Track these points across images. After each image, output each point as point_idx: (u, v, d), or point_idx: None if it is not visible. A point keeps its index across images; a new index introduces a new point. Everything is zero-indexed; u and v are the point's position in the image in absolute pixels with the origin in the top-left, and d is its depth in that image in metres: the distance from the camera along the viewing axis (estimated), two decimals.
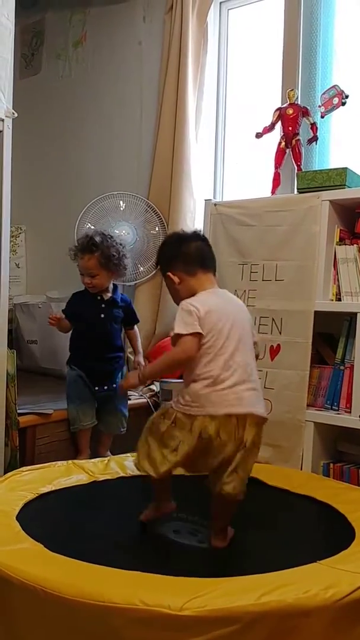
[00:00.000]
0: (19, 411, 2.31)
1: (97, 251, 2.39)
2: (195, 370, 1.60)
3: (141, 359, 2.61)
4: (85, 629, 1.23)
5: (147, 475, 1.65)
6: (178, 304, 1.69)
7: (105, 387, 2.48)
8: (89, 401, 2.47)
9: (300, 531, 1.75)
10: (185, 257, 1.71)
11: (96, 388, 2.47)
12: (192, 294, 1.68)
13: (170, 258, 1.74)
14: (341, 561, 1.43)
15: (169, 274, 1.72)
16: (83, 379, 2.46)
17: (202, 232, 1.88)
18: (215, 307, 1.63)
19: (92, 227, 3.04)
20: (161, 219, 3.10)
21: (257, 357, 1.73)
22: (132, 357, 2.84)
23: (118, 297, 2.53)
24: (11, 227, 3.24)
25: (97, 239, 2.41)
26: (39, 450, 2.37)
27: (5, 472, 2.19)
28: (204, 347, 1.59)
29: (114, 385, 2.49)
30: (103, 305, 2.48)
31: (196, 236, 1.78)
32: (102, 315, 2.47)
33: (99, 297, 2.48)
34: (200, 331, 1.58)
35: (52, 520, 1.74)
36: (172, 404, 1.65)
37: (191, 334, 1.58)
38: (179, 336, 1.59)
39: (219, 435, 1.55)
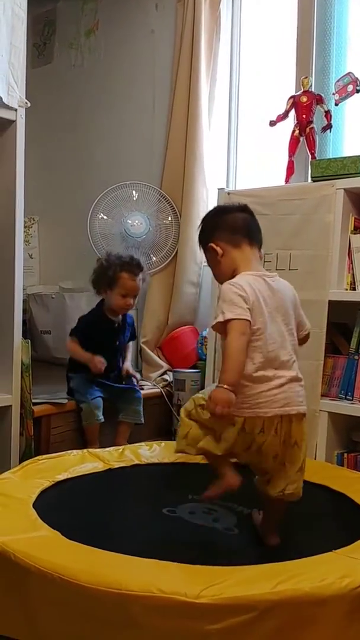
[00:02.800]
0: (33, 401, 2.32)
1: (141, 274, 2.41)
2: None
3: (130, 368, 2.62)
4: (103, 616, 1.23)
5: (207, 454, 1.53)
6: (219, 281, 1.58)
7: (113, 375, 2.51)
8: (99, 395, 2.43)
9: (316, 520, 1.75)
10: (230, 226, 1.59)
11: (104, 381, 2.48)
12: (235, 269, 1.55)
13: (214, 227, 1.61)
14: (357, 550, 1.43)
15: (212, 244, 1.59)
16: (90, 379, 2.45)
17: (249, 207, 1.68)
18: (262, 294, 1.49)
19: (105, 217, 3.04)
20: (174, 208, 3.10)
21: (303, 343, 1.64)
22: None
23: (128, 317, 2.53)
24: (24, 217, 3.26)
25: (141, 260, 2.43)
26: (53, 439, 2.38)
27: (21, 460, 2.20)
28: (250, 341, 1.45)
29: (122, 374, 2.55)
30: (118, 332, 2.49)
31: (243, 208, 1.65)
32: (117, 343, 2.50)
33: (115, 324, 2.48)
34: (250, 318, 1.44)
35: (68, 508, 1.74)
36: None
37: (244, 320, 1.43)
38: (227, 322, 1.43)
39: (264, 432, 1.45)
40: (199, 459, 1.69)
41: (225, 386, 1.39)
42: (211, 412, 1.41)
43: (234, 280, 1.50)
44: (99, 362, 2.38)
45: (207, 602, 1.17)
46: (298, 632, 1.21)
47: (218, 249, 1.58)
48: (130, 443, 2.39)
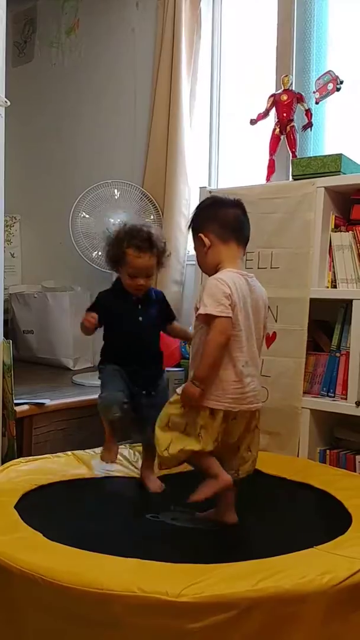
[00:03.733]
0: (15, 401, 2.31)
1: (154, 248, 1.97)
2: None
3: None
4: (85, 616, 1.23)
5: (195, 455, 1.59)
6: (202, 269, 1.66)
7: (149, 392, 2.02)
8: (121, 392, 1.97)
9: (297, 518, 1.76)
10: (221, 220, 1.64)
11: (137, 389, 2.00)
12: (218, 264, 1.62)
13: (206, 218, 1.66)
14: (338, 546, 1.44)
15: (201, 235, 1.64)
16: (122, 373, 1.99)
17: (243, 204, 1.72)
18: (243, 293, 1.59)
19: (87, 216, 3.03)
20: (156, 207, 3.09)
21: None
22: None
23: (151, 292, 2.06)
24: (5, 216, 3.23)
25: (153, 232, 2.00)
26: (36, 440, 2.38)
27: (3, 461, 2.19)
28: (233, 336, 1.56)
29: (153, 393, 2.03)
30: (140, 307, 2.02)
31: (237, 204, 1.69)
32: (141, 319, 2.02)
33: (133, 298, 2.01)
34: (231, 316, 1.54)
35: (50, 511, 1.74)
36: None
37: (225, 317, 1.53)
38: (212, 317, 1.53)
39: (237, 420, 1.60)
40: (182, 468, 1.70)
41: (196, 382, 1.55)
42: (183, 405, 1.58)
43: (220, 276, 1.57)
44: (89, 316, 2.00)
45: (188, 601, 1.17)
46: (280, 630, 1.22)
47: (206, 240, 1.63)
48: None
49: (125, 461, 2.16)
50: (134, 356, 2.00)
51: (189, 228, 1.77)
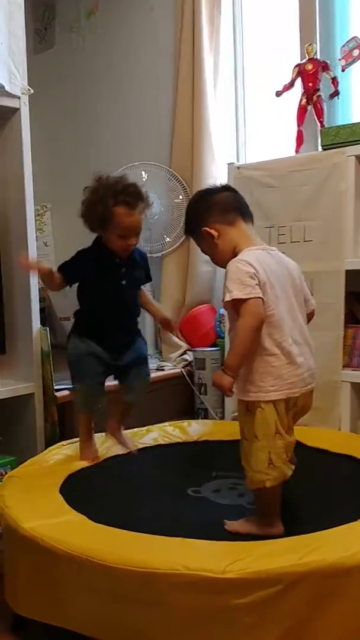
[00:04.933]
0: (56, 387, 2.34)
1: (143, 201, 1.78)
2: (262, 347, 1.44)
3: (166, 313, 2.06)
4: (130, 595, 1.25)
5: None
6: (221, 265, 1.52)
7: (126, 359, 1.91)
8: (101, 378, 1.90)
9: (340, 490, 1.74)
10: (219, 205, 1.53)
11: (114, 357, 1.89)
12: (236, 249, 1.50)
13: (203, 211, 1.55)
14: None
15: (205, 229, 1.52)
16: (97, 355, 1.87)
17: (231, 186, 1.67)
18: (270, 268, 1.46)
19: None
20: (184, 186, 3.08)
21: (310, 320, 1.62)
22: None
23: (136, 254, 1.89)
24: (36, 205, 3.24)
25: (137, 182, 1.82)
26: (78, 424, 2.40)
27: (47, 447, 2.23)
28: (266, 318, 1.42)
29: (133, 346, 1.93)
30: (123, 269, 1.85)
31: (226, 187, 1.62)
32: (124, 282, 1.85)
33: (117, 259, 1.83)
34: (262, 296, 1.41)
35: (94, 492, 1.75)
36: (245, 397, 1.48)
37: (254, 298, 1.40)
38: (241, 301, 1.40)
39: (297, 406, 1.51)
40: (223, 436, 1.70)
41: (228, 372, 1.43)
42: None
43: (240, 257, 1.46)
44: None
45: (232, 577, 1.17)
46: (326, 603, 1.21)
47: (213, 231, 1.51)
48: (153, 424, 2.38)
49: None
50: (114, 324, 1.85)
51: (186, 233, 1.65)
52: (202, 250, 1.60)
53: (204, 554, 1.27)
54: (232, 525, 1.49)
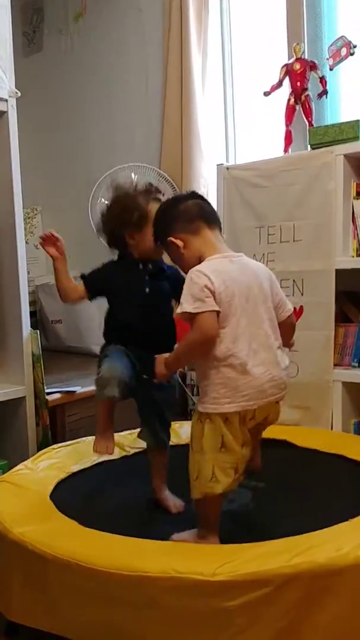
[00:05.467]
0: (47, 390, 2.33)
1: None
2: (218, 358, 1.40)
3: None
4: (122, 599, 1.25)
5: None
6: (186, 273, 1.47)
7: (160, 383, 1.65)
8: (128, 368, 1.69)
9: (331, 490, 1.74)
10: (184, 214, 1.51)
11: (145, 375, 1.69)
12: (201, 258, 1.47)
13: (168, 221, 1.54)
14: None
15: (171, 239, 1.50)
16: (127, 353, 1.72)
17: (198, 192, 1.63)
18: (230, 275, 1.41)
19: (106, 202, 3.02)
20: (174, 188, 3.07)
21: (293, 326, 1.57)
22: None
23: (165, 266, 1.83)
24: (26, 208, 3.23)
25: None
26: (69, 427, 2.40)
27: (39, 450, 2.22)
28: (224, 328, 1.39)
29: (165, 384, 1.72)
30: (147, 277, 1.77)
31: (192, 195, 1.58)
32: (147, 290, 1.76)
33: (141, 266, 1.78)
34: (216, 308, 1.37)
35: (84, 497, 1.76)
36: (199, 407, 1.45)
37: (207, 312, 1.37)
38: (191, 315, 1.37)
39: (255, 418, 1.45)
40: None
41: (167, 365, 1.48)
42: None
43: (197, 267, 1.43)
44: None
45: (223, 580, 1.17)
46: (317, 604, 1.21)
47: (178, 241, 1.49)
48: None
49: None
50: (140, 334, 1.73)
51: (155, 242, 1.62)
52: (171, 259, 1.59)
53: (194, 556, 1.26)
54: (176, 536, 1.47)
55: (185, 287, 1.41)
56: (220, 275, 1.40)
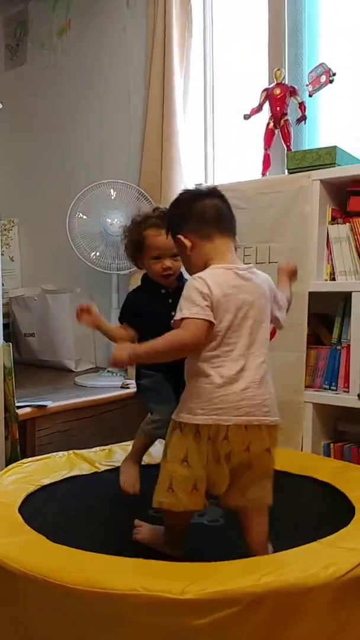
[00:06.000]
0: (17, 404, 2.31)
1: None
2: (201, 369, 1.37)
3: None
4: (91, 616, 1.23)
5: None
6: (190, 274, 1.46)
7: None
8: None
9: (300, 512, 1.76)
10: (199, 215, 1.44)
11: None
12: (206, 262, 1.43)
13: (181, 217, 1.47)
14: (341, 539, 1.43)
15: (180, 236, 1.45)
16: (162, 382, 1.80)
17: (219, 190, 1.54)
18: (232, 290, 1.38)
19: (84, 217, 3.03)
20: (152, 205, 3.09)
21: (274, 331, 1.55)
22: None
23: (183, 283, 1.72)
24: (3, 220, 3.22)
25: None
26: (39, 442, 2.38)
27: (7, 465, 2.19)
28: (215, 340, 1.36)
29: None
30: (170, 300, 1.79)
31: (213, 193, 1.50)
32: (173, 314, 1.62)
33: (162, 291, 1.85)
34: (211, 319, 1.35)
35: (53, 512, 1.74)
36: (173, 415, 1.43)
37: (200, 319, 1.34)
38: (184, 320, 1.35)
39: (229, 441, 1.37)
40: None
41: (131, 352, 1.39)
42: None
43: (199, 274, 1.40)
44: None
45: (191, 598, 1.16)
46: (286, 623, 1.21)
47: (187, 241, 1.44)
48: (118, 442, 2.34)
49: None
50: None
51: (167, 232, 1.56)
52: (178, 253, 1.57)
53: (163, 574, 1.25)
54: (141, 531, 1.51)
55: (185, 292, 1.38)
56: (222, 288, 1.37)
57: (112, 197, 3.04)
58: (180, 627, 1.18)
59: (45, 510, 1.71)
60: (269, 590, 1.19)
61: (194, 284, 1.38)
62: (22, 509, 1.67)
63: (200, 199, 1.47)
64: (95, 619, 1.23)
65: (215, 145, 3.21)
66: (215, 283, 1.37)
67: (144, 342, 1.43)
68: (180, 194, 1.56)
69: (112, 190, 3.06)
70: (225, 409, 1.36)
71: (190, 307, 1.34)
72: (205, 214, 1.45)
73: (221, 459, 1.38)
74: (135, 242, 1.83)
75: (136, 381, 1.94)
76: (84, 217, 3.03)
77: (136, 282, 3.11)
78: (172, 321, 1.38)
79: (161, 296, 1.83)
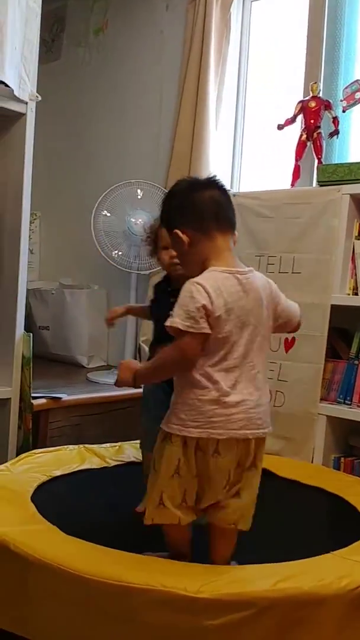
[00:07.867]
0: (33, 395, 2.32)
1: None
2: (194, 378, 1.31)
3: None
4: (103, 608, 1.24)
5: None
6: (186, 272, 1.37)
7: None
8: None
9: (312, 522, 1.76)
10: (197, 209, 1.34)
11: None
12: (204, 261, 1.34)
13: (177, 210, 1.37)
14: (354, 552, 1.44)
15: (177, 231, 1.35)
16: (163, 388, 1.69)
17: (219, 179, 1.42)
18: (232, 297, 1.30)
19: (109, 214, 3.04)
20: None
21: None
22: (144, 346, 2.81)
23: None
24: None
25: None
26: (51, 434, 2.38)
27: (18, 454, 2.20)
28: (210, 350, 1.30)
29: None
30: (172, 300, 1.57)
31: (211, 183, 1.39)
32: (171, 313, 1.58)
33: (169, 288, 1.80)
34: (207, 331, 1.27)
35: (65, 504, 1.75)
36: (163, 426, 1.36)
37: (196, 334, 1.27)
38: (178, 331, 1.27)
39: (221, 455, 1.32)
40: None
41: (136, 376, 1.37)
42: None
43: (200, 279, 1.30)
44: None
45: (206, 597, 1.17)
46: (296, 631, 1.22)
47: (184, 237, 1.35)
48: (128, 440, 2.34)
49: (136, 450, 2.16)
50: None
51: (162, 223, 1.48)
52: (173, 247, 1.45)
53: (179, 573, 1.26)
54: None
55: (181, 297, 1.29)
56: (223, 295, 1.29)
57: (139, 197, 3.05)
58: (190, 626, 1.19)
59: (57, 502, 1.71)
60: (284, 596, 1.20)
61: (192, 290, 1.28)
62: (34, 498, 1.67)
63: (198, 191, 1.37)
64: (107, 612, 1.24)
65: (245, 153, 3.21)
66: (216, 291, 1.29)
67: (147, 362, 1.42)
68: (177, 184, 1.46)
69: (139, 190, 3.07)
70: (220, 422, 1.30)
71: (184, 319, 1.26)
72: (203, 208, 1.35)
73: (210, 472, 1.33)
74: (153, 232, 1.85)
75: None
76: (109, 214, 3.04)
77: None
78: (165, 323, 1.31)
79: (167, 291, 1.79)
